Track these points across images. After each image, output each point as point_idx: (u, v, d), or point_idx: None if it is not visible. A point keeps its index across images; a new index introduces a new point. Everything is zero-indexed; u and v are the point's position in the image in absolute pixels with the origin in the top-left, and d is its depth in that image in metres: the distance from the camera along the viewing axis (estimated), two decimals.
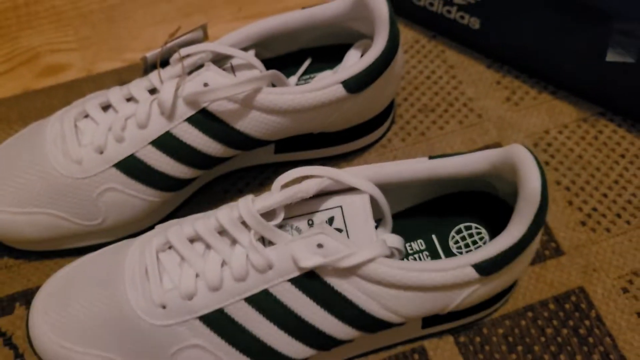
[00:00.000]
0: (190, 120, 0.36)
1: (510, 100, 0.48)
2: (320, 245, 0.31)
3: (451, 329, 0.38)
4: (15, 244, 0.40)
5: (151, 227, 0.39)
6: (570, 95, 0.48)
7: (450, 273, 0.32)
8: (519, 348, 0.38)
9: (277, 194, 0.32)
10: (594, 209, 0.43)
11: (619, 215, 0.43)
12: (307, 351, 0.33)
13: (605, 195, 0.43)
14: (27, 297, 0.39)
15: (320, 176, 0.32)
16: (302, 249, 0.31)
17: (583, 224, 0.42)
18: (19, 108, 0.47)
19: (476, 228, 0.38)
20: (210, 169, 0.39)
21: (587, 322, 0.39)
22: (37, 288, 0.39)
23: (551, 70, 0.47)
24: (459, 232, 0.38)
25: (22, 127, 0.46)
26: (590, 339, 0.38)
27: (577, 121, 0.47)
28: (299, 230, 0.33)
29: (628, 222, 0.42)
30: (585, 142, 0.46)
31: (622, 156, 0.45)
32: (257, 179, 0.44)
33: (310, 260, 0.31)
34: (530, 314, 0.39)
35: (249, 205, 0.32)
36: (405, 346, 0.38)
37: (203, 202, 0.43)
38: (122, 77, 0.49)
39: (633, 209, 0.43)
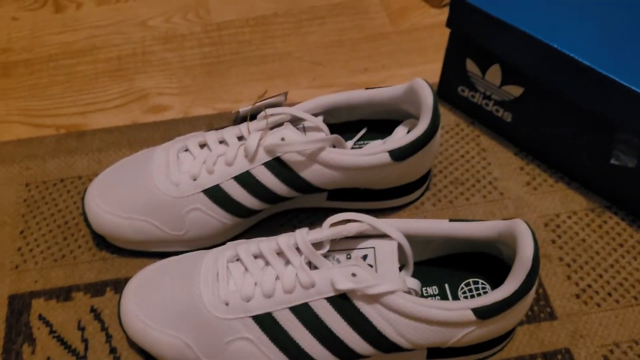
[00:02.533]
0: (267, 164, 0.46)
1: (530, 185, 0.56)
2: (354, 275, 0.40)
3: None
4: (115, 241, 0.50)
5: (221, 244, 0.49)
6: (582, 187, 0.56)
7: (453, 312, 0.40)
8: None
9: (326, 230, 0.42)
10: (589, 286, 0.50)
11: (610, 294, 0.50)
12: (332, 359, 0.42)
13: (600, 276, 0.51)
14: (116, 284, 0.49)
15: (362, 221, 0.42)
16: (340, 275, 0.40)
17: (577, 296, 0.50)
18: (127, 136, 0.59)
19: (482, 283, 0.46)
20: (275, 205, 0.49)
21: None
22: (126, 278, 0.49)
23: (567, 164, 0.56)
24: (467, 284, 0.46)
25: (129, 151, 0.58)
26: None
27: (586, 210, 0.55)
28: (338, 261, 0.42)
29: (617, 301, 0.49)
30: (590, 229, 0.54)
31: (621, 245, 0.53)
32: (309, 218, 0.54)
33: (344, 284, 0.40)
34: None
35: (304, 236, 0.41)
36: None
37: (263, 231, 0.53)
38: (211, 122, 0.60)
39: (623, 291, 0.50)
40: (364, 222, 0.42)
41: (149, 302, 0.43)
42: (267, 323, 0.41)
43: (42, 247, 0.51)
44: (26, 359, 0.46)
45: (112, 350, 0.46)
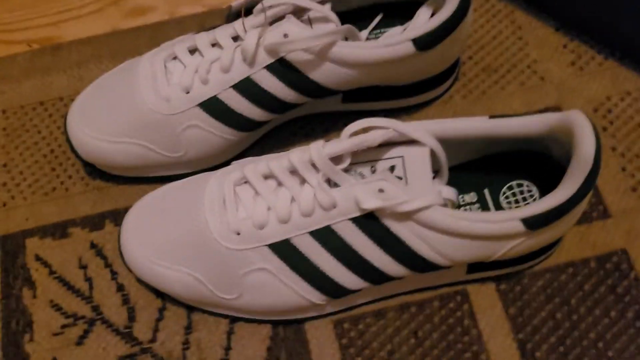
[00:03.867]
0: (269, 67, 0.39)
1: (575, 65, 0.49)
2: (381, 190, 0.34)
3: (494, 277, 0.41)
4: (107, 169, 0.45)
5: (226, 162, 0.44)
6: (636, 63, 0.48)
7: (499, 225, 0.35)
8: (556, 300, 0.41)
9: (345, 141, 0.35)
10: None
11: None
12: (361, 283, 0.37)
13: None
14: (115, 215, 0.45)
15: (386, 127, 0.35)
16: (365, 192, 0.35)
17: (634, 190, 0.44)
18: (108, 46, 0.52)
19: (527, 186, 0.40)
20: (283, 114, 0.43)
21: (625, 283, 0.41)
22: (125, 208, 0.44)
23: (619, 37, 0.48)
24: (510, 188, 0.40)
25: (112, 63, 0.50)
26: (627, 298, 0.41)
27: None
28: (362, 176, 0.37)
29: None
30: None
31: None
32: (322, 125, 0.48)
33: (371, 202, 0.34)
34: (570, 269, 0.41)
35: (319, 149, 0.35)
36: (450, 288, 0.41)
37: (272, 143, 0.47)
38: (202, 21, 0.53)
39: None
40: (389, 127, 0.35)
41: (150, 236, 0.39)
42: (285, 251, 0.36)
43: (30, 181, 0.46)
44: (27, 304, 0.42)
45: (120, 288, 0.42)
